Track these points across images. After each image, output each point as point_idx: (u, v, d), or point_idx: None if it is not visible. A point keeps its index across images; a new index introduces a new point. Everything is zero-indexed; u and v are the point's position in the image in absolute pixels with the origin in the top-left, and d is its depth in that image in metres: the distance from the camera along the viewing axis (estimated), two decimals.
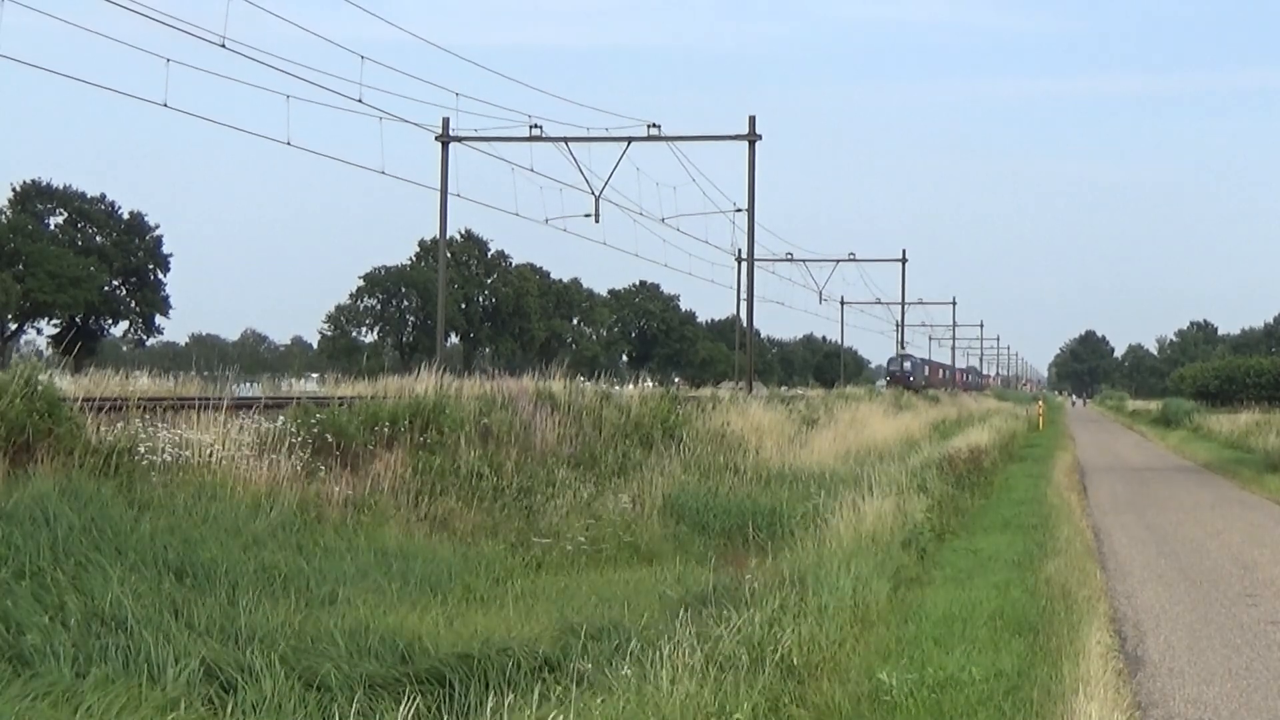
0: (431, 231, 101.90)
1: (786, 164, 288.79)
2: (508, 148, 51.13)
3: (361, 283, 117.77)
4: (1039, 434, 62.72)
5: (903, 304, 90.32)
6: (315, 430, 18.32)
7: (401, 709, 9.78)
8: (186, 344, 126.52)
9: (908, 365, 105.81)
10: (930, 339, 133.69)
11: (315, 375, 41.90)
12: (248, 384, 25.80)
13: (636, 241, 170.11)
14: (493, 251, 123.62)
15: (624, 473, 23.42)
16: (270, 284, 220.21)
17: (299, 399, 20.33)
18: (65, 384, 17.00)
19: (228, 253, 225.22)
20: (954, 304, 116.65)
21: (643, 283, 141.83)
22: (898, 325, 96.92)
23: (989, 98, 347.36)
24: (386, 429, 19.61)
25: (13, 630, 10.31)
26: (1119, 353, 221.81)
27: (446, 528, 17.65)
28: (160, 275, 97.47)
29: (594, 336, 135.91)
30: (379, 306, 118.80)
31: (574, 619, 12.36)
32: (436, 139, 42.67)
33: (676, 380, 79.27)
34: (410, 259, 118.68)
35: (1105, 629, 13.25)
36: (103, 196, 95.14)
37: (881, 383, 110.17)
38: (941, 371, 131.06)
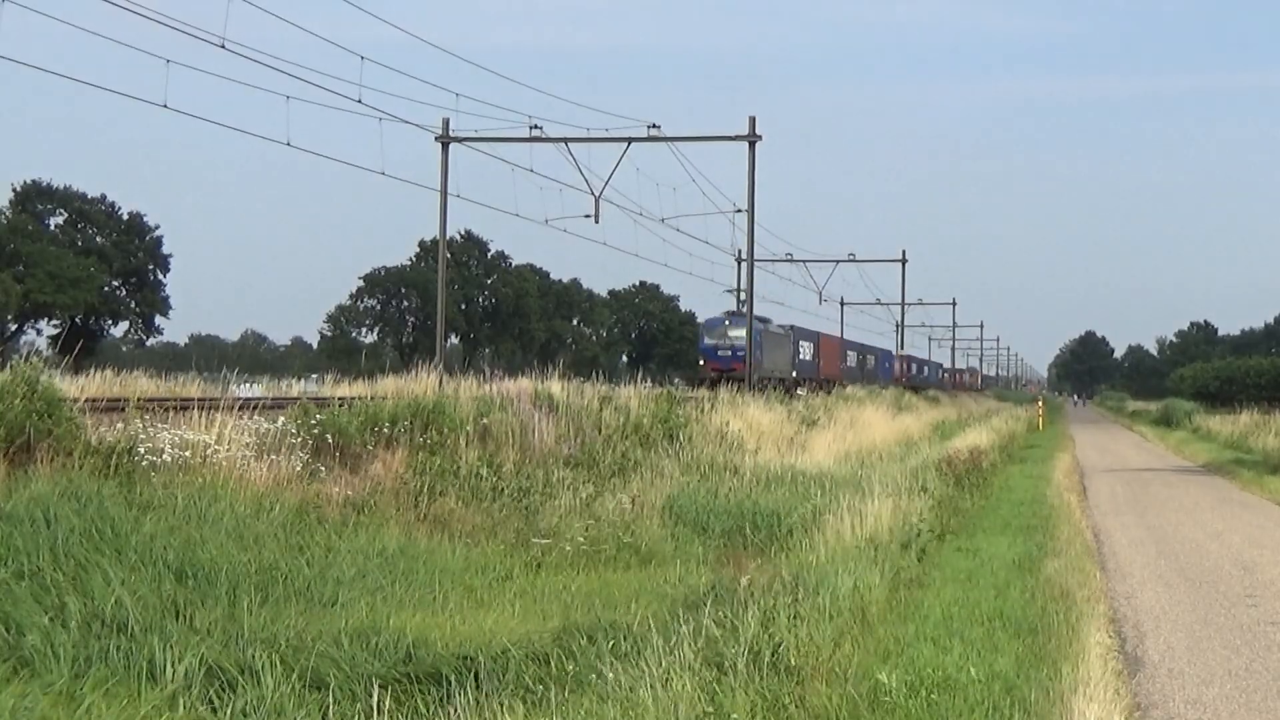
0: (431, 232, 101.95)
1: (786, 164, 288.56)
2: (508, 148, 51.23)
3: (361, 283, 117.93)
4: (1039, 434, 62.73)
5: (902, 304, 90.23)
6: (315, 431, 18.35)
7: (402, 710, 9.81)
8: (186, 344, 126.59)
9: (735, 336, 56.48)
10: (930, 339, 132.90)
11: (315, 375, 41.88)
12: (248, 384, 25.79)
13: (636, 242, 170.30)
14: (493, 252, 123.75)
15: (623, 473, 23.43)
16: (270, 284, 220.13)
17: (299, 399, 20.35)
18: (65, 384, 17.01)
19: (228, 253, 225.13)
20: (954, 304, 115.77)
21: (643, 283, 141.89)
22: (897, 326, 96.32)
23: (989, 98, 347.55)
24: (386, 429, 19.64)
25: (13, 631, 10.32)
26: (1119, 353, 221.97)
27: (446, 528, 17.66)
28: (160, 275, 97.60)
29: (594, 337, 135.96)
30: (379, 307, 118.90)
31: (573, 620, 12.37)
32: (436, 139, 42.73)
33: (676, 381, 78.89)
34: (410, 259, 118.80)
35: (1105, 630, 13.26)
36: (103, 197, 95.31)
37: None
38: (856, 357, 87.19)
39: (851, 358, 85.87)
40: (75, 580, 11.55)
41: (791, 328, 67.37)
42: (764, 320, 61.57)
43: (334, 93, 30.25)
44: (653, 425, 27.43)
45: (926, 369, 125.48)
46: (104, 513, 13.09)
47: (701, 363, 59.56)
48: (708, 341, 60.24)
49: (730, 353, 57.15)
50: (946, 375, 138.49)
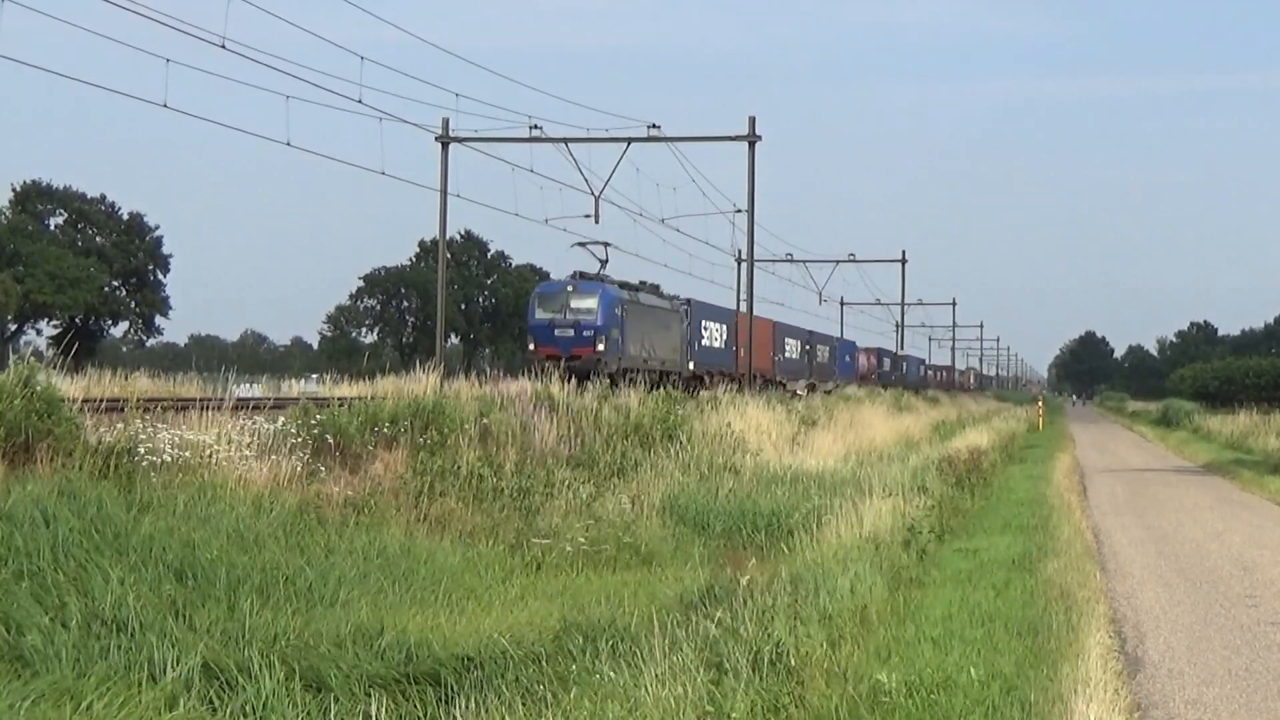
0: (431, 232, 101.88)
1: (786, 164, 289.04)
2: (508, 148, 51.04)
3: (361, 283, 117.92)
4: (1039, 434, 62.72)
5: (902, 305, 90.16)
6: (315, 431, 18.35)
7: (402, 710, 9.81)
8: (186, 344, 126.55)
9: (582, 307, 40.77)
10: (930, 339, 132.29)
11: (315, 376, 41.81)
12: (247, 384, 25.79)
13: (637, 242, 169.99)
14: (493, 252, 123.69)
15: (623, 473, 23.45)
16: (270, 284, 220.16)
17: (299, 399, 20.36)
18: (64, 385, 17.01)
19: (228, 253, 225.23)
20: (954, 305, 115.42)
21: (643, 282, 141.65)
22: (897, 326, 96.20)
23: (989, 98, 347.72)
24: (386, 429, 19.64)
25: (13, 631, 10.32)
26: (1119, 353, 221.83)
27: (446, 528, 17.67)
28: (160, 276, 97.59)
29: None
30: (379, 307, 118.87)
31: (573, 620, 12.37)
32: (436, 139, 42.70)
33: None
34: (410, 259, 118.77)
35: (1105, 630, 13.25)
36: (103, 197, 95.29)
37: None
38: (799, 346, 69.22)
39: (792, 347, 66.72)
40: (75, 580, 11.56)
41: (688, 302, 50.06)
42: (635, 287, 44.65)
43: (334, 93, 30.15)
44: (652, 425, 27.42)
45: (905, 365, 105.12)
46: (104, 513, 13.09)
47: (531, 346, 41.24)
48: (540, 316, 41.15)
49: (573, 331, 40.19)
50: (933, 373, 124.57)
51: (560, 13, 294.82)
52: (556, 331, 40.42)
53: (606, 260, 44.07)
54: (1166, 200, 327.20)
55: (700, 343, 49.73)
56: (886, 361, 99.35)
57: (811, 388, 65.07)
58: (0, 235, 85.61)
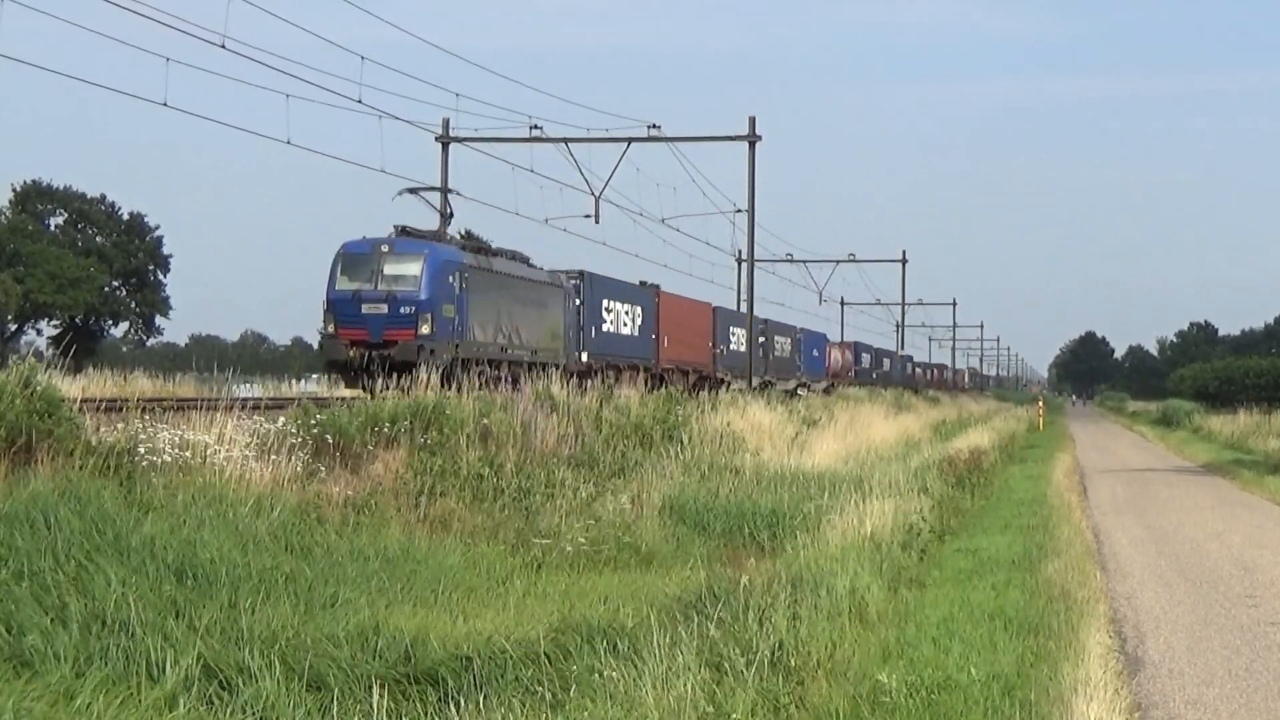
0: None
1: (787, 164, 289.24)
2: (508, 148, 50.83)
3: None
4: (1039, 434, 62.70)
5: (903, 305, 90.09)
6: (315, 431, 18.35)
7: (401, 710, 9.80)
8: (186, 344, 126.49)
9: (398, 274, 29.94)
10: (930, 339, 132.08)
11: (315, 376, 41.81)
12: (248, 384, 25.75)
13: (636, 242, 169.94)
14: None
15: (623, 473, 23.43)
16: (270, 284, 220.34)
17: (299, 399, 20.34)
18: (65, 385, 17.00)
19: (228, 253, 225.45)
20: (954, 305, 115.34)
21: (643, 283, 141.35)
22: (898, 326, 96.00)
23: (989, 98, 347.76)
24: (387, 429, 19.64)
25: (14, 632, 10.32)
26: (1119, 354, 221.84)
27: (447, 528, 17.67)
28: (160, 276, 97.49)
29: None
30: None
31: (573, 620, 12.37)
32: (436, 139, 42.66)
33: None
34: None
35: (1105, 630, 13.25)
36: (103, 197, 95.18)
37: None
38: (744, 338, 51.62)
39: (738, 339, 54.08)
40: (76, 580, 11.55)
41: (581, 274, 40.01)
42: (491, 251, 35.14)
43: (334, 92, 30.19)
44: (653, 425, 27.41)
45: (888, 362, 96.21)
46: (104, 513, 13.08)
47: (329, 328, 30.50)
48: (343, 286, 30.40)
49: (386, 307, 29.82)
50: (922, 372, 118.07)
51: (560, 13, 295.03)
52: (364, 308, 29.92)
53: (450, 214, 35.30)
54: (1166, 200, 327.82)
55: (600, 328, 40.45)
56: (866, 358, 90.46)
57: (766, 385, 54.79)
58: (0, 235, 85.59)
